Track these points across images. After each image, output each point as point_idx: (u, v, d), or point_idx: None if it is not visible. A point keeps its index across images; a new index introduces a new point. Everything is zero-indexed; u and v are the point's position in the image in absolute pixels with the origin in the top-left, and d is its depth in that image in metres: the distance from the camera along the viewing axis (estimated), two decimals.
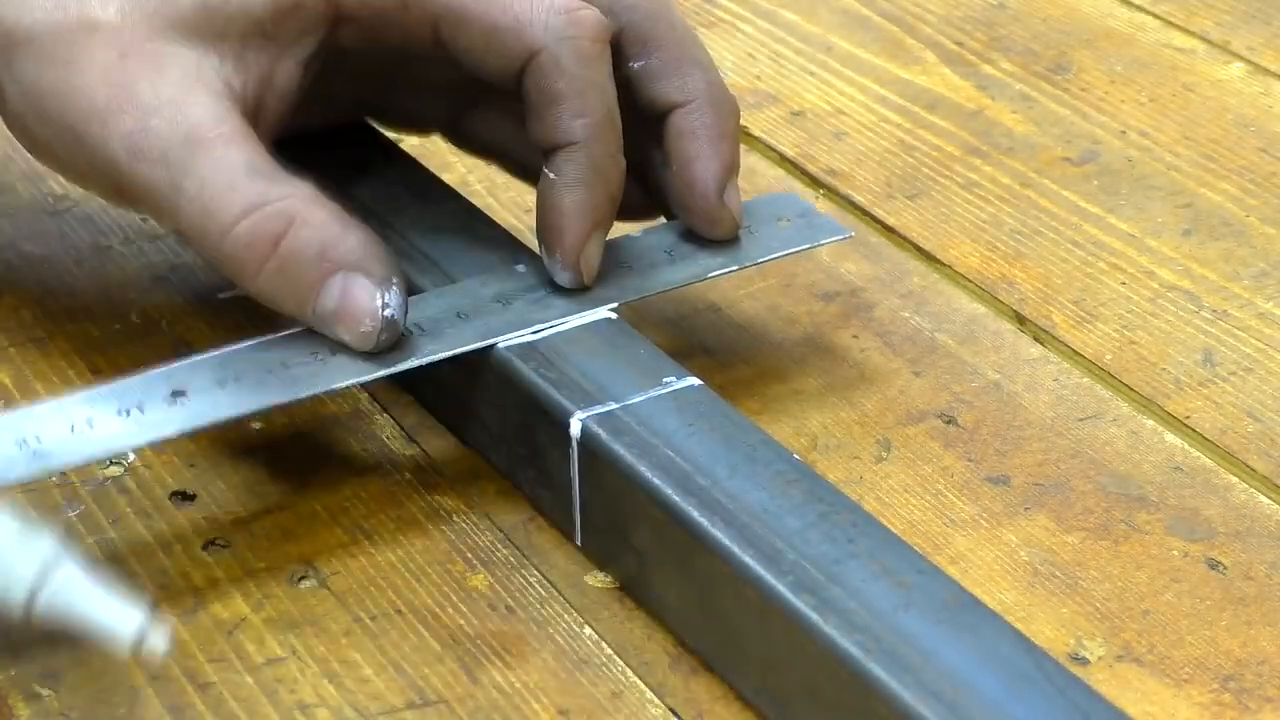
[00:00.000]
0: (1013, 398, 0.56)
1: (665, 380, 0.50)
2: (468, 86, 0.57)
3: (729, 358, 0.58)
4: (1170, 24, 0.77)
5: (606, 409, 0.49)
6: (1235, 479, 0.53)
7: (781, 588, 0.44)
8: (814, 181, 0.67)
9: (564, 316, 0.52)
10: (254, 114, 0.52)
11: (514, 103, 0.54)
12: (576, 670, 0.47)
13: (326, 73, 0.54)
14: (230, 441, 0.54)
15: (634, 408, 0.49)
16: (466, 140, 0.60)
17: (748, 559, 0.45)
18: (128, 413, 0.48)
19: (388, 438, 0.54)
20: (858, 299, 0.60)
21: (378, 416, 0.55)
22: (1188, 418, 0.55)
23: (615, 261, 0.54)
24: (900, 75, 0.74)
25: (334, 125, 0.60)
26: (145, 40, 0.51)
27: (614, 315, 0.53)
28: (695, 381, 0.50)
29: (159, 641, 0.43)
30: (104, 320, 0.59)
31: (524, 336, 0.51)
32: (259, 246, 0.50)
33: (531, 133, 0.53)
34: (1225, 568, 0.50)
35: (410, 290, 0.51)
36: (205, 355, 0.50)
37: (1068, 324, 0.59)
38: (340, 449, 0.54)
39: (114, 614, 0.43)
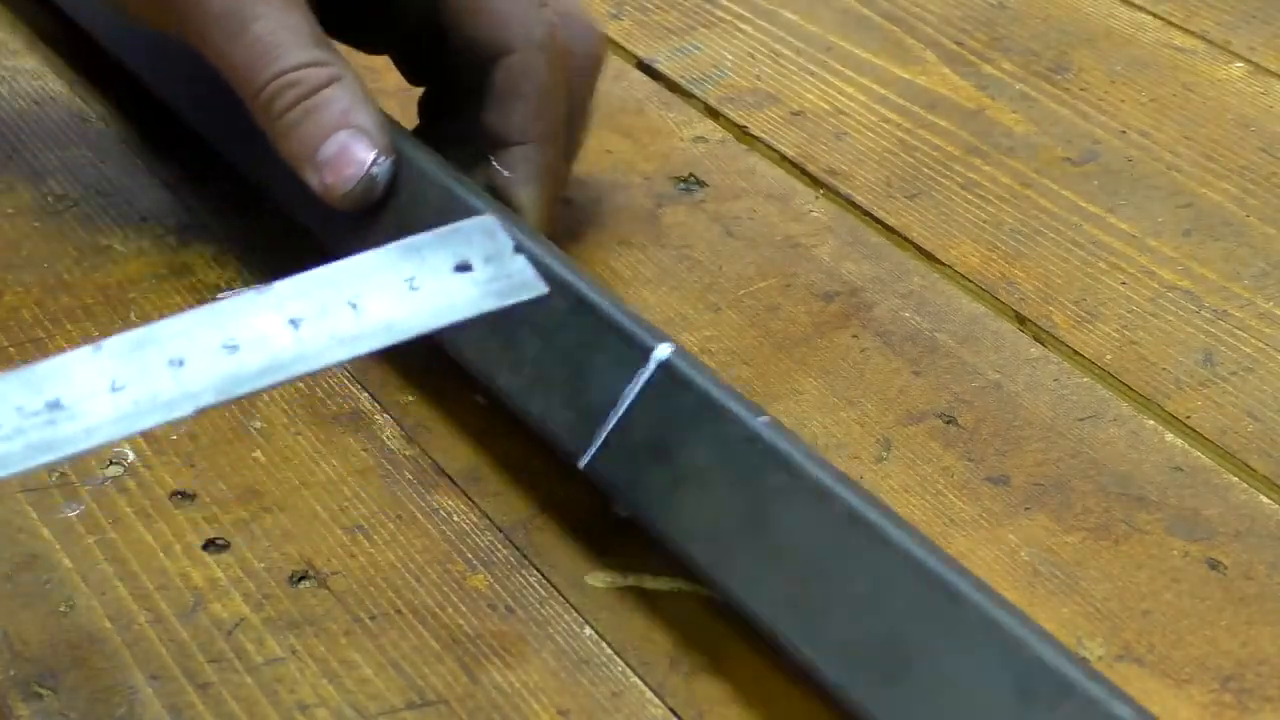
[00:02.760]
0: (1013, 398, 0.56)
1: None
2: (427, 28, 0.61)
3: (729, 358, 0.58)
4: (1170, 24, 0.77)
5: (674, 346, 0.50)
6: (1235, 479, 0.53)
7: (854, 500, 0.45)
8: (814, 181, 0.67)
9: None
10: None
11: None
12: (576, 670, 0.47)
13: None
14: (230, 441, 0.54)
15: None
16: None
17: (819, 474, 0.46)
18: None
19: (388, 438, 0.54)
20: (858, 299, 0.60)
21: (378, 416, 0.55)
22: (1188, 418, 0.55)
23: None
24: (900, 75, 0.73)
25: None
26: None
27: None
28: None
29: None
30: (104, 320, 0.59)
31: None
32: (300, 91, 0.56)
33: (486, 119, 0.59)
34: (1225, 568, 0.50)
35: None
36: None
37: (1068, 324, 0.59)
38: (340, 449, 0.54)
39: None
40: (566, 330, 0.52)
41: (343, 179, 0.56)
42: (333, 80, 0.57)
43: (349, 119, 0.56)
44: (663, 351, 0.50)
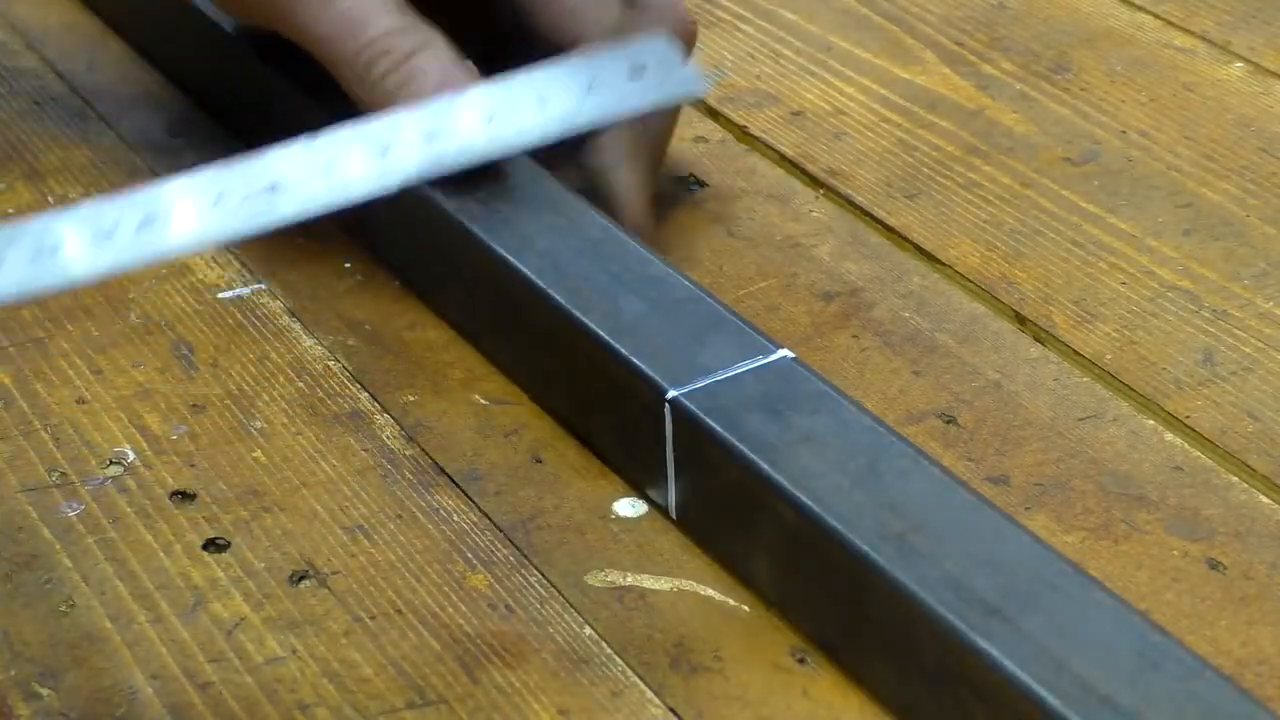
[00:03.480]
0: (1013, 398, 0.56)
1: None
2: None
3: None
4: (1170, 24, 0.77)
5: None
6: (1235, 479, 0.53)
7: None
8: (814, 181, 0.67)
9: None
10: None
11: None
12: (576, 670, 0.47)
13: None
14: (230, 441, 0.54)
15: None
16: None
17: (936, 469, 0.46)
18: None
19: (388, 438, 0.54)
20: (858, 299, 0.60)
21: (378, 417, 0.55)
22: (1188, 417, 0.55)
23: None
24: (900, 75, 0.74)
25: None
26: None
27: None
28: None
29: None
30: (104, 320, 0.59)
31: None
32: (393, 59, 0.58)
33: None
34: (1225, 568, 0.50)
35: None
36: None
37: (1068, 324, 0.59)
38: (340, 449, 0.54)
39: None
40: (683, 307, 0.54)
41: None
42: (422, 46, 0.58)
43: (446, 83, 0.57)
44: (786, 352, 0.51)
